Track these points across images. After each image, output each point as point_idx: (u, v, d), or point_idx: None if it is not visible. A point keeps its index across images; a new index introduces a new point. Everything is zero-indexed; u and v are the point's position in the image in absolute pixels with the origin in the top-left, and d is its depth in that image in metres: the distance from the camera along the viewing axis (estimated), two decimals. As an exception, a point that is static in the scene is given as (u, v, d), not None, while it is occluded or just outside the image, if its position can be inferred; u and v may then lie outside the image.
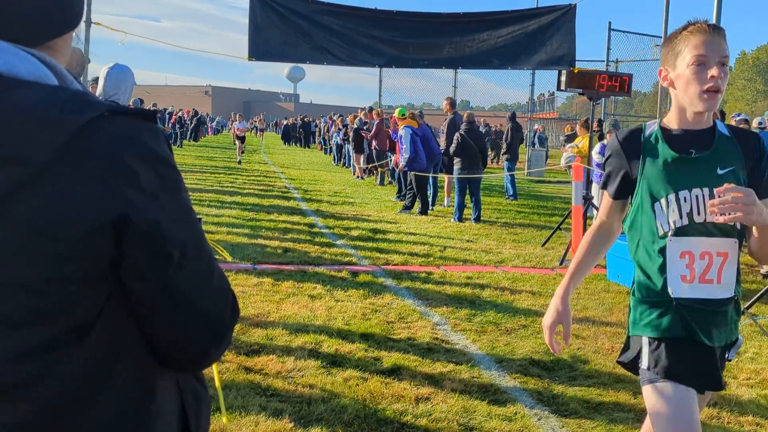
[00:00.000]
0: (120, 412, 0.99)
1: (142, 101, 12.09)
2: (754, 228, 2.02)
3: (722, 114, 11.29)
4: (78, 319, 0.94)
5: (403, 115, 12.09)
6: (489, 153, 27.51)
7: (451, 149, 11.04)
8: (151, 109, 1.33)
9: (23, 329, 0.92)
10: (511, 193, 14.62)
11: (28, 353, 0.92)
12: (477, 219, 10.99)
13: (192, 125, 36.39)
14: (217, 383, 1.84)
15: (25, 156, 0.89)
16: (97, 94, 4.02)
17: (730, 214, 1.86)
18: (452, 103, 12.88)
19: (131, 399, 1.00)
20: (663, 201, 2.11)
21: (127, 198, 0.93)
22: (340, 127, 22.03)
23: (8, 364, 0.91)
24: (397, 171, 12.78)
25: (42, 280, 0.91)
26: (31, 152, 0.89)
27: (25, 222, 0.90)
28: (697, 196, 2.08)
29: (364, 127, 16.95)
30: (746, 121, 10.32)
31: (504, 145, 15.33)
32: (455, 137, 11.02)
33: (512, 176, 14.74)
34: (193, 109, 42.56)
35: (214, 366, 2.19)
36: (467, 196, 11.21)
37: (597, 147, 8.76)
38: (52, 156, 0.90)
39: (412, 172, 11.60)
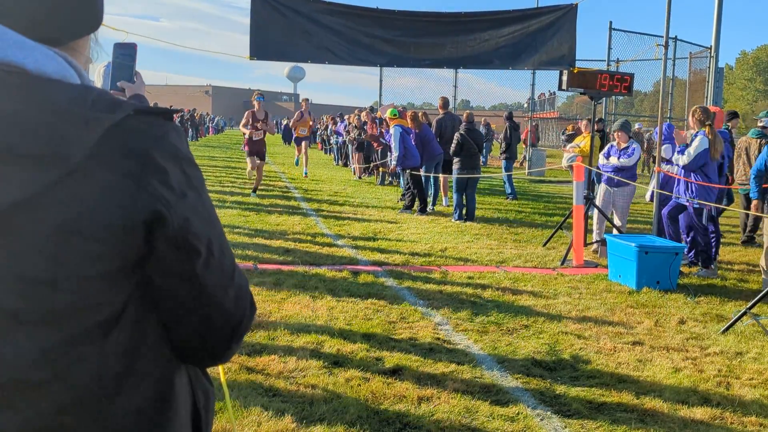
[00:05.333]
0: (142, 406, 1.00)
1: (142, 100, 12.08)
2: None
3: (734, 114, 11.19)
4: (104, 314, 0.96)
5: (395, 114, 12.08)
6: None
7: (452, 149, 11.04)
8: (170, 108, 1.34)
9: (51, 326, 0.93)
10: (509, 192, 14.61)
11: (55, 349, 0.93)
12: (470, 216, 10.97)
13: (189, 124, 36.55)
14: (223, 381, 1.84)
15: (58, 154, 0.90)
16: None
17: None
18: (445, 103, 12.86)
19: (153, 394, 1.02)
20: None
21: (160, 196, 0.95)
22: (341, 131, 21.83)
23: (36, 359, 0.93)
24: (399, 172, 12.78)
25: (71, 277, 0.92)
26: (64, 150, 0.90)
27: (57, 220, 0.91)
28: None
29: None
30: None
31: (503, 145, 15.31)
32: (455, 137, 11.02)
33: (509, 175, 14.71)
34: (193, 108, 42.58)
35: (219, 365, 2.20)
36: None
37: (603, 150, 8.77)
38: (84, 154, 0.91)
39: (408, 171, 11.60)
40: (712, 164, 7.44)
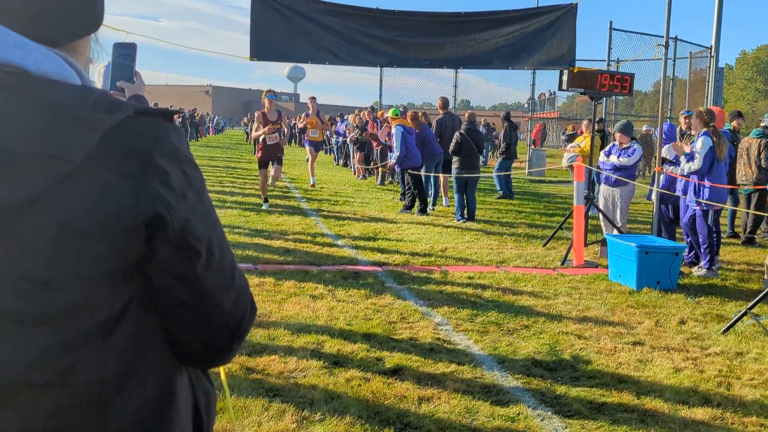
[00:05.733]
0: (143, 407, 1.00)
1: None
2: None
3: (739, 114, 11.17)
4: (104, 315, 0.96)
5: (397, 114, 12.09)
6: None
7: (451, 148, 11.05)
8: (171, 108, 1.36)
9: (51, 326, 0.93)
10: (499, 188, 14.59)
11: (56, 350, 0.93)
12: (471, 215, 10.99)
13: (189, 124, 36.66)
14: (224, 381, 1.84)
15: (59, 154, 0.90)
16: None
17: None
18: (445, 103, 12.85)
19: (153, 394, 1.02)
20: None
21: (160, 197, 0.95)
22: (341, 131, 21.76)
23: (36, 360, 0.93)
24: (398, 171, 12.77)
25: (71, 277, 0.92)
26: (65, 151, 0.90)
27: (58, 220, 0.91)
28: None
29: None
30: None
31: (503, 145, 15.29)
32: (455, 136, 11.02)
33: (505, 175, 14.69)
34: (193, 108, 42.65)
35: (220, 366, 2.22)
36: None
37: (606, 148, 8.77)
38: (85, 155, 0.91)
39: (408, 171, 11.60)
40: (719, 164, 7.44)
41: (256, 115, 10.74)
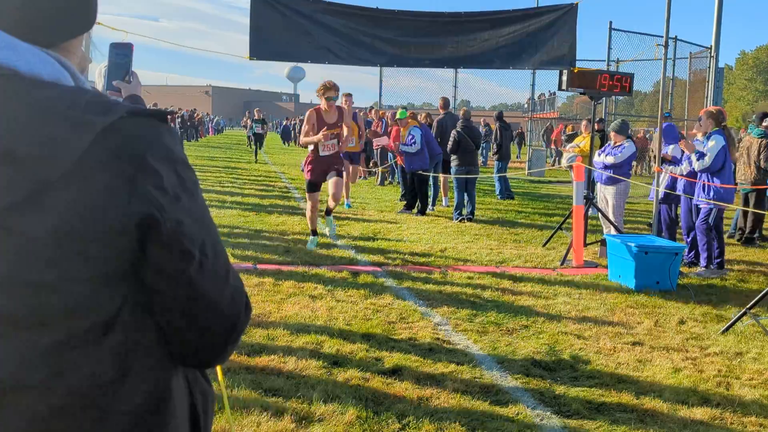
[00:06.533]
0: (139, 408, 1.00)
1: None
2: None
3: (765, 115, 11.11)
4: (99, 317, 0.96)
5: (405, 116, 12.08)
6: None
7: (448, 147, 11.04)
8: (167, 109, 1.36)
9: (48, 328, 0.93)
10: (498, 190, 14.58)
11: (51, 351, 0.93)
12: (471, 214, 10.99)
13: (188, 124, 36.72)
14: (221, 381, 1.85)
15: (52, 156, 0.90)
16: None
17: None
18: (446, 103, 12.83)
19: (149, 395, 1.02)
20: None
21: (152, 199, 0.95)
22: None
23: (32, 362, 0.93)
24: (398, 171, 12.72)
25: (66, 279, 0.92)
26: (58, 153, 0.90)
27: (51, 222, 0.91)
28: None
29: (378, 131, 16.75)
30: None
31: (494, 146, 15.23)
32: (452, 134, 11.01)
33: (503, 176, 14.68)
34: (193, 108, 42.70)
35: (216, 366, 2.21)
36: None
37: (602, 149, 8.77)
38: (77, 157, 0.91)
39: (414, 171, 11.59)
40: (729, 163, 7.45)
41: (307, 114, 7.58)
